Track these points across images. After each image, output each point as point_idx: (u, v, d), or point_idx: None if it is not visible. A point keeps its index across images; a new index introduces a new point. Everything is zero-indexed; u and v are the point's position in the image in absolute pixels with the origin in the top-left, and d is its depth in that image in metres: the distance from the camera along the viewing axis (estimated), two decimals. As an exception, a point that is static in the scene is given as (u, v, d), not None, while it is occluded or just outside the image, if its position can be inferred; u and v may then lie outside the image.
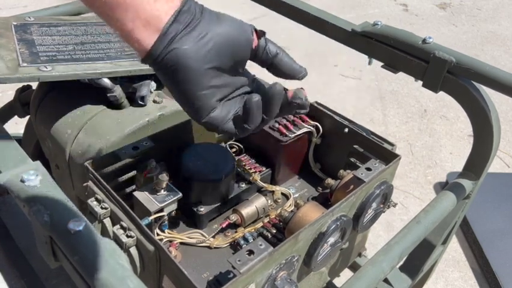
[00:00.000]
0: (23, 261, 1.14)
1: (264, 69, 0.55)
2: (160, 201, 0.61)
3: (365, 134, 0.76)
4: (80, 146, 0.75)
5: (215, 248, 0.69)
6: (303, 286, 0.71)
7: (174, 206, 0.64)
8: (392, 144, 0.77)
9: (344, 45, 0.86)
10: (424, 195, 1.75)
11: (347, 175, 0.71)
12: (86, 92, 0.80)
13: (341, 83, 2.41)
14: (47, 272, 1.10)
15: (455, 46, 2.72)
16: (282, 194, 0.80)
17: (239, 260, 0.51)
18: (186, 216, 0.73)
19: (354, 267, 0.98)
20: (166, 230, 0.66)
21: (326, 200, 0.77)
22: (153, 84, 0.81)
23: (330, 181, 0.75)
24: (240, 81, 0.53)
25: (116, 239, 0.56)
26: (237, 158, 0.80)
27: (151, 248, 0.54)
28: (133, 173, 0.70)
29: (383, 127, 2.10)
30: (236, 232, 0.71)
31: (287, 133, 0.78)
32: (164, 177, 0.62)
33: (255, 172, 0.78)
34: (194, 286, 0.49)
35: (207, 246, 0.69)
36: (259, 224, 0.72)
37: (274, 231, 0.71)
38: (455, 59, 0.71)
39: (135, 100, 0.79)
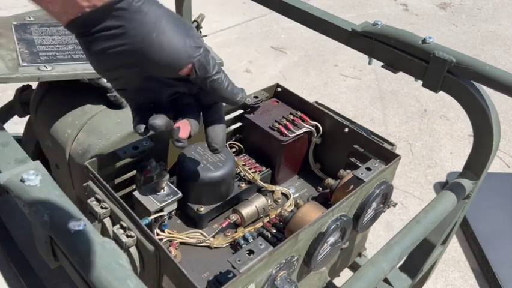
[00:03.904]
0: (23, 261, 1.13)
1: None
2: (160, 201, 0.61)
3: (365, 134, 0.76)
4: (80, 145, 0.75)
5: (215, 247, 0.69)
6: (303, 286, 0.71)
7: (174, 206, 0.64)
8: (392, 144, 0.77)
9: (344, 45, 0.86)
10: (424, 195, 1.75)
11: (347, 175, 0.71)
12: (86, 91, 0.80)
13: (341, 83, 2.41)
14: (47, 272, 1.10)
15: (455, 46, 2.72)
16: (282, 193, 0.80)
17: (239, 260, 0.51)
18: (186, 216, 0.73)
19: (354, 267, 0.98)
20: (166, 230, 0.66)
21: (325, 200, 0.77)
22: (153, 84, 0.81)
23: (330, 181, 0.75)
24: None
25: (116, 239, 0.56)
26: (236, 158, 0.80)
27: (151, 247, 0.54)
28: (133, 173, 0.70)
29: (383, 127, 2.11)
30: (236, 232, 0.71)
31: (287, 133, 0.78)
32: (165, 177, 0.62)
33: (255, 172, 0.78)
34: (194, 286, 0.49)
35: (207, 246, 0.69)
36: (259, 224, 0.72)
37: (274, 231, 0.71)
38: (455, 59, 0.71)
39: (135, 100, 0.79)
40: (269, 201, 0.76)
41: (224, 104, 0.57)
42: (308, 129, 0.80)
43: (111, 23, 0.43)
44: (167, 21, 0.46)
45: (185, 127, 0.54)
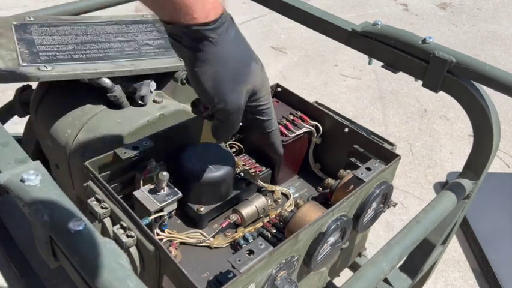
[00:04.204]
0: (23, 261, 1.13)
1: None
2: (160, 201, 0.61)
3: (365, 134, 0.76)
4: (80, 145, 0.75)
5: (215, 247, 0.69)
6: (303, 286, 0.71)
7: (174, 206, 0.64)
8: (392, 144, 0.77)
9: (344, 45, 0.86)
10: (424, 195, 1.75)
11: (347, 175, 0.71)
12: (86, 91, 0.80)
13: (341, 83, 2.41)
14: (47, 272, 1.10)
15: (455, 46, 2.72)
16: (282, 193, 0.80)
17: (239, 260, 0.51)
18: (186, 216, 0.73)
19: (354, 267, 0.98)
20: (166, 230, 0.66)
21: (325, 200, 0.77)
22: (153, 84, 0.82)
23: (330, 181, 0.75)
24: None
25: (116, 239, 0.56)
26: (236, 158, 0.80)
27: (151, 247, 0.54)
28: (133, 173, 0.70)
29: (383, 127, 2.11)
30: (236, 232, 0.71)
31: (287, 133, 0.78)
32: (165, 177, 0.62)
33: (255, 172, 0.78)
34: (194, 286, 0.49)
35: (207, 246, 0.69)
36: (259, 224, 0.72)
37: (274, 231, 0.71)
38: (455, 59, 0.71)
39: (135, 100, 0.79)
40: (269, 201, 0.76)
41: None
42: (308, 129, 0.80)
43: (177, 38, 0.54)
44: (211, 69, 0.54)
45: None
